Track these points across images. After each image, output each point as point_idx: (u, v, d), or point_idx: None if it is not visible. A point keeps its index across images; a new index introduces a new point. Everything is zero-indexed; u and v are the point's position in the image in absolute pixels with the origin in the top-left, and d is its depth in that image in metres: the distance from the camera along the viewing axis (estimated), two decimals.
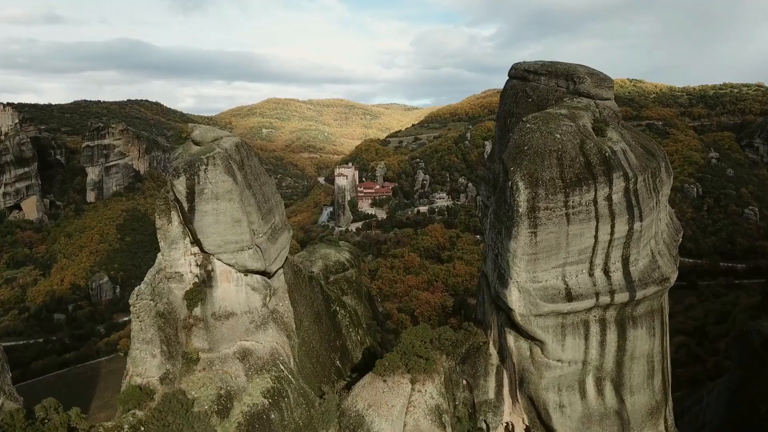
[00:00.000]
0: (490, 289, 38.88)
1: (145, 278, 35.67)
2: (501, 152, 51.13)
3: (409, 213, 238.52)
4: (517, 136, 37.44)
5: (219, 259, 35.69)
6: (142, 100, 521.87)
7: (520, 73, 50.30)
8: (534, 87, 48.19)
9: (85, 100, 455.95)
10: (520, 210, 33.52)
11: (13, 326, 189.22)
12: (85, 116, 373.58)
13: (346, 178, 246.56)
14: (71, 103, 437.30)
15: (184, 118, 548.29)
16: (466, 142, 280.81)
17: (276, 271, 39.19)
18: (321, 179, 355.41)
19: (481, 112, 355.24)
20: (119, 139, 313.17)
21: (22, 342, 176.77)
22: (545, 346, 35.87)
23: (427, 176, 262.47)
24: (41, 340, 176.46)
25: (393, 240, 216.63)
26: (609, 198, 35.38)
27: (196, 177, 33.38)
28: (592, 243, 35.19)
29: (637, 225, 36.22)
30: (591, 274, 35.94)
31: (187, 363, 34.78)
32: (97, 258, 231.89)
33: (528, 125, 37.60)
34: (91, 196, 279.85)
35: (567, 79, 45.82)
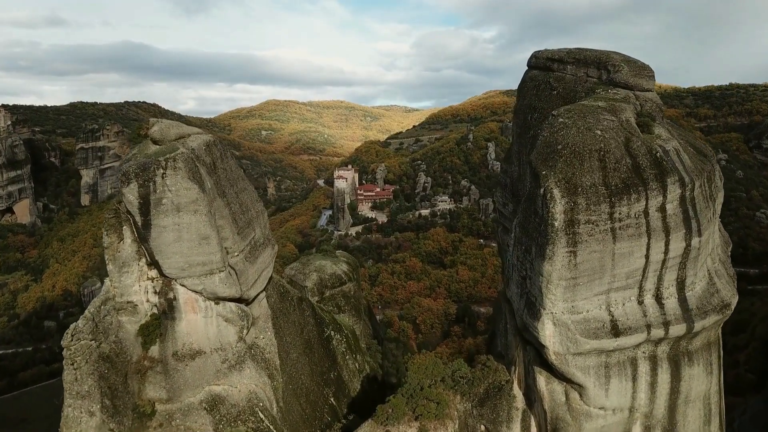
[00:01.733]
0: (515, 317, 32.26)
1: (86, 312, 28.83)
2: (521, 152, 44.69)
3: (411, 216, 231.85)
4: (547, 133, 30.85)
5: (183, 285, 28.95)
6: (139, 101, 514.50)
7: (543, 62, 43.90)
8: (559, 78, 41.80)
9: (82, 102, 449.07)
10: (556, 224, 26.92)
11: (2, 334, 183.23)
12: (81, 118, 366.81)
13: (345, 180, 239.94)
14: (67, 105, 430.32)
15: (182, 120, 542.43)
16: (469, 143, 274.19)
17: (256, 296, 32.56)
18: (320, 182, 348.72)
19: (483, 113, 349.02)
20: (114, 141, 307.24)
21: (11, 350, 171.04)
22: (585, 391, 29.22)
23: (429, 178, 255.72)
24: (30, 348, 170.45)
25: (394, 244, 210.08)
26: (663, 209, 28.78)
27: (151, 184, 26.80)
28: (642, 264, 28.57)
29: (695, 241, 29.65)
30: (640, 302, 29.30)
31: (139, 418, 27.94)
32: (90, 263, 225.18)
33: (561, 120, 31.02)
34: (85, 200, 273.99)
35: (599, 68, 39.33)
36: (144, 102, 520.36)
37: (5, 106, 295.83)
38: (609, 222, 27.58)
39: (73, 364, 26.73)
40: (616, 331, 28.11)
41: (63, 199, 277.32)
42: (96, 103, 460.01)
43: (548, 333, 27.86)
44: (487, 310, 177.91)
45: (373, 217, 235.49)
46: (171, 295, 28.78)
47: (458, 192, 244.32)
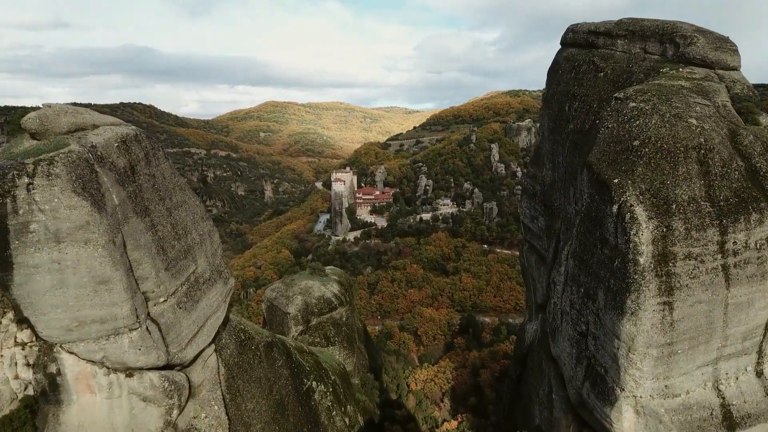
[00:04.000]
0: (566, 388, 22.76)
1: None
2: (555, 152, 35.45)
3: (411, 221, 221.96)
4: (614, 124, 21.41)
5: (72, 353, 19.47)
6: (135, 103, 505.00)
7: (583, 38, 34.54)
8: (606, 56, 32.43)
9: (76, 103, 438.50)
10: (641, 260, 17.48)
11: None
12: None
13: (343, 183, 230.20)
14: None
15: (179, 122, 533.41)
16: (471, 144, 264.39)
17: (199, 355, 23.01)
18: (319, 184, 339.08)
19: (485, 113, 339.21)
20: None
21: None
22: None
23: (430, 181, 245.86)
24: None
25: (394, 250, 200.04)
26: None
27: (8, 201, 17.38)
28: (766, 318, 19.07)
29: None
30: (759, 374, 19.78)
31: None
32: None
33: (632, 104, 21.57)
34: None
35: (663, 41, 29.91)
36: (140, 103, 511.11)
37: None
38: (719, 256, 18.12)
39: None
40: (729, 421, 18.58)
41: None
42: (90, 104, 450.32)
43: (628, 426, 18.36)
44: (492, 320, 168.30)
45: (372, 221, 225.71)
46: (53, 369, 18.98)
47: (461, 195, 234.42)
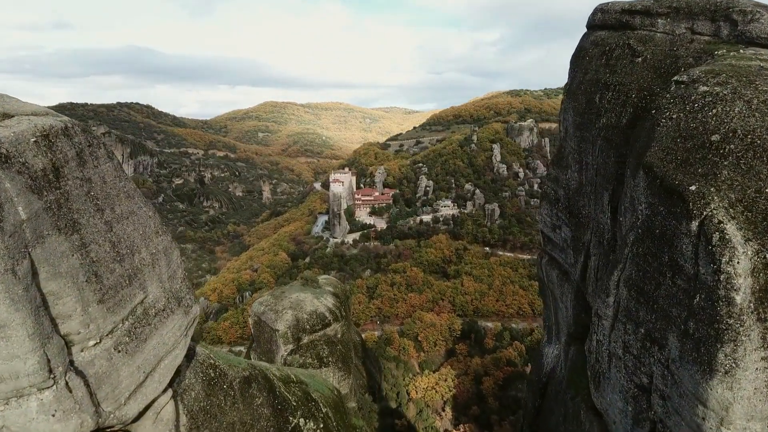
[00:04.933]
0: None
1: None
2: (583, 150, 30.71)
3: (411, 222, 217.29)
4: (679, 114, 16.59)
5: None
6: (132, 102, 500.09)
7: (615, 18, 29.79)
8: (645, 38, 27.69)
9: (71, 103, 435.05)
10: (737, 299, 12.65)
11: None
12: None
13: (342, 184, 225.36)
14: (55, 106, 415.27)
15: (176, 122, 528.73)
16: (473, 144, 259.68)
17: (149, 407, 18.06)
18: (317, 185, 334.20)
19: (486, 113, 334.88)
20: None
21: None
22: None
23: (431, 182, 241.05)
24: None
25: (394, 253, 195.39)
26: None
27: None
28: None
29: None
30: None
31: None
32: None
33: (703, 88, 16.74)
34: None
35: (716, 19, 25.14)
36: (137, 103, 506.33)
37: None
38: None
39: None
40: None
41: None
42: (87, 104, 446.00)
43: None
44: (495, 325, 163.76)
45: (372, 223, 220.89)
46: None
47: (462, 196, 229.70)
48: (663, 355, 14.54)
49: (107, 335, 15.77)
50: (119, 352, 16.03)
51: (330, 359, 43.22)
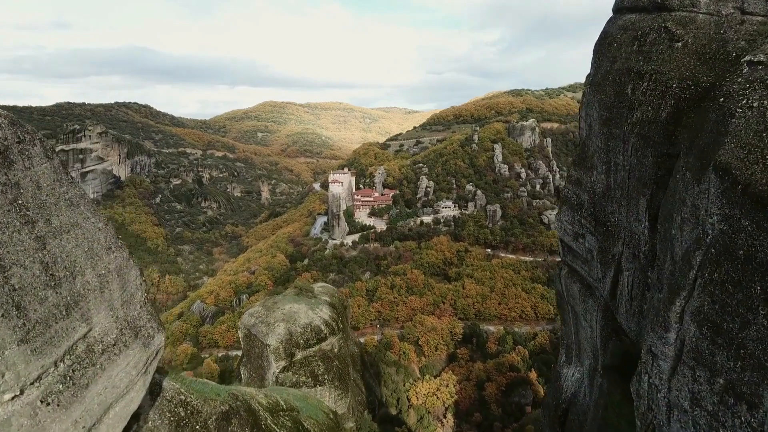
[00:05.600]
0: None
1: None
2: (611, 149, 27.17)
3: (412, 224, 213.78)
4: (761, 101, 13.11)
5: None
6: (131, 102, 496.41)
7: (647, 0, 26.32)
8: (685, 20, 24.20)
9: (69, 102, 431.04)
10: None
11: None
12: (66, 119, 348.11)
13: (341, 185, 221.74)
14: (53, 106, 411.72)
15: (175, 122, 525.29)
16: (474, 144, 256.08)
17: None
18: (316, 185, 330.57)
19: (487, 113, 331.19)
20: (97, 142, 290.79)
21: None
22: None
23: (431, 182, 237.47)
24: None
25: (394, 255, 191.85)
26: None
27: None
28: None
29: None
30: None
31: None
32: None
33: None
34: None
35: None
36: (135, 103, 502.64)
37: None
38: None
39: None
40: None
41: None
42: (84, 103, 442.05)
43: None
44: (497, 329, 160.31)
45: (371, 224, 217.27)
46: None
47: (463, 197, 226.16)
48: (755, 417, 11.01)
49: (31, 384, 12.20)
50: (48, 405, 12.45)
51: (326, 377, 39.67)
